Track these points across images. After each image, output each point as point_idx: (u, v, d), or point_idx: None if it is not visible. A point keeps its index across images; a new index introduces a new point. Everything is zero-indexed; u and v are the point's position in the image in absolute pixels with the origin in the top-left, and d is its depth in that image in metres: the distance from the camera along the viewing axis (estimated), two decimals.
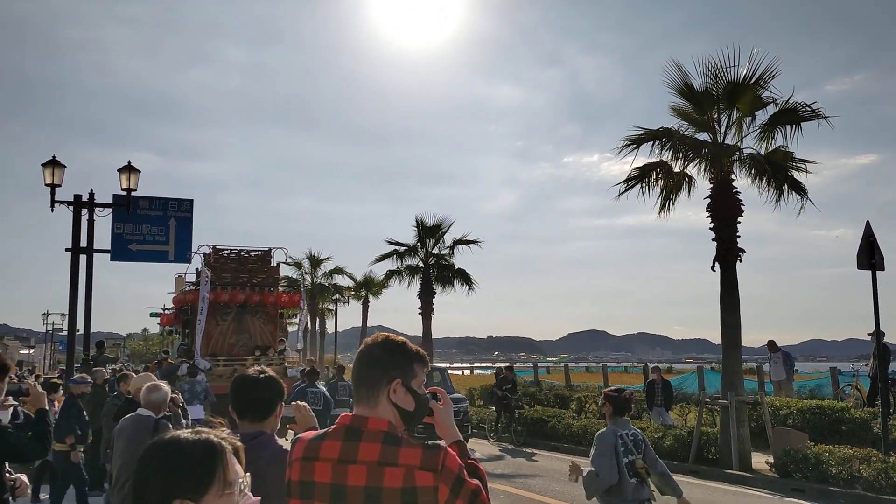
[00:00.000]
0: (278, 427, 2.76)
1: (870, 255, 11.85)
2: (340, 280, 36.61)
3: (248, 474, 1.65)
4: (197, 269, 22.09)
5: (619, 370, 42.63)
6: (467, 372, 43.07)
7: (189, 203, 20.37)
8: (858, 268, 11.89)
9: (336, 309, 39.21)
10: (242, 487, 1.63)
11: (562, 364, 46.90)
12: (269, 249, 22.34)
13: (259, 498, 1.66)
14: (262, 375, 2.60)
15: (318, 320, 39.55)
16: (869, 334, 14.02)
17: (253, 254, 22.00)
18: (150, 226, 19.62)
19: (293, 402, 3.00)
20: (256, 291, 21.26)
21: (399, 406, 2.08)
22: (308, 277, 37.73)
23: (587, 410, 19.31)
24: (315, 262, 37.09)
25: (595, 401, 19.52)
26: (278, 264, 22.66)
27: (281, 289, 23.30)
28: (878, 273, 11.87)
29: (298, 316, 27.69)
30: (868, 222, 12.08)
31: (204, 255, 21.51)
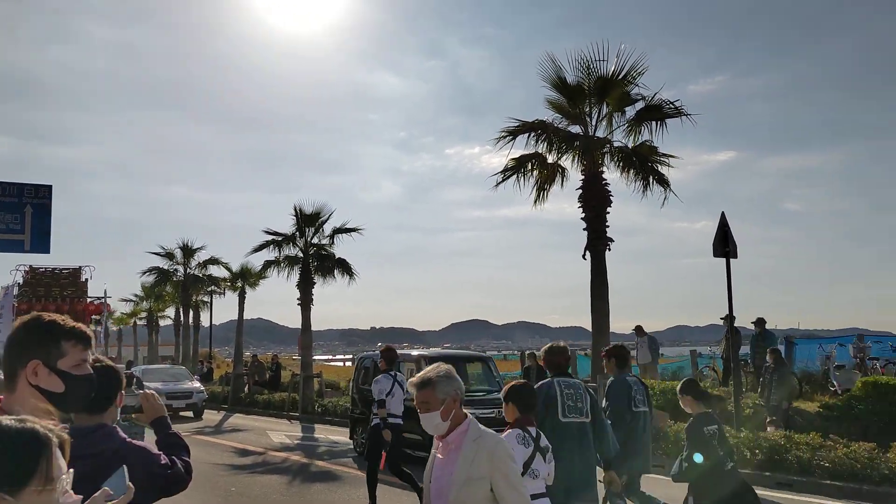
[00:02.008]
0: (118, 418, 2.61)
1: (724, 244, 12.64)
2: (216, 271, 35.34)
3: (71, 471, 1.53)
4: (18, 283, 25.57)
5: (498, 357, 43.63)
6: (349, 364, 42.80)
7: (47, 189, 19.09)
8: (714, 256, 12.66)
9: (211, 301, 37.86)
10: (65, 485, 1.52)
11: None
12: (80, 267, 26.59)
13: (80, 497, 1.54)
14: (97, 365, 2.45)
15: (191, 313, 38.07)
16: (722, 318, 15.02)
17: (65, 271, 26.27)
18: (3, 213, 18.25)
19: (142, 392, 2.85)
20: (66, 302, 25.08)
21: (43, 388, 2.03)
22: (181, 268, 36.24)
23: None
24: (188, 251, 35.61)
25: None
26: (86, 280, 26.52)
27: (90, 299, 27.19)
28: (732, 261, 12.70)
29: (102, 321, 33.46)
30: (723, 213, 12.87)
31: (23, 272, 25.44)
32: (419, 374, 3.27)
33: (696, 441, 5.67)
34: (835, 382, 15.75)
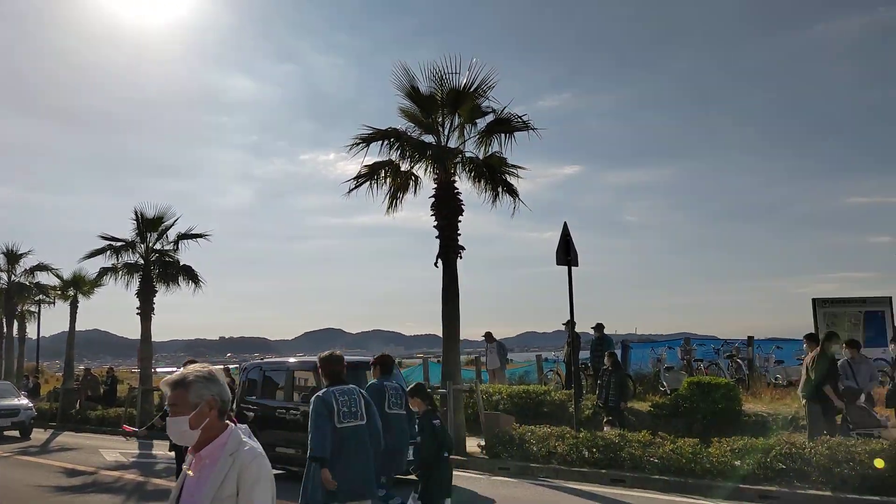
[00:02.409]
0: None
1: (566, 253, 13.24)
2: (45, 278, 32.58)
3: None
4: None
5: None
6: None
7: None
8: (557, 264, 13.22)
9: (39, 311, 34.92)
10: None
11: None
12: None
13: None
14: None
15: (16, 324, 34.90)
16: (564, 324, 15.70)
17: None
18: None
19: None
20: None
21: None
22: (4, 276, 33.14)
23: None
24: (13, 257, 32.60)
25: None
26: None
27: None
28: (574, 269, 13.33)
29: None
30: (565, 223, 13.49)
31: None
32: (177, 372, 2.85)
33: (426, 432, 6.94)
34: (664, 383, 16.87)
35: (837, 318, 14.33)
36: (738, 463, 9.63)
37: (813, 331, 13.79)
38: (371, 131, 15.95)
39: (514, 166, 16.65)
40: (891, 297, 14.32)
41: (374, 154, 16.19)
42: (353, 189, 16.36)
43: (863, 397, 10.30)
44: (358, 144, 15.86)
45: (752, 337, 18.48)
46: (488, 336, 20.08)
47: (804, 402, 10.71)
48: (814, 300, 14.71)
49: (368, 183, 16.33)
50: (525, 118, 16.09)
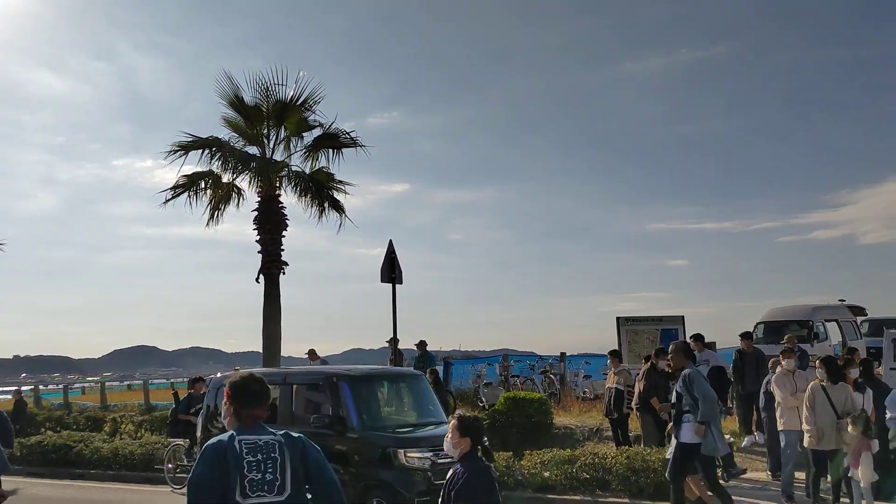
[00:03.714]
0: None
1: (391, 270, 13.35)
2: None
3: None
4: None
5: (165, 386, 40.78)
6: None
7: None
8: (382, 281, 13.29)
9: None
10: None
11: (99, 384, 42.90)
12: None
13: None
14: None
15: None
16: (388, 341, 15.77)
17: None
18: None
19: None
20: None
21: None
22: None
23: (122, 431, 18.02)
24: None
25: (132, 420, 18.44)
26: None
27: None
28: (399, 286, 13.45)
29: None
30: (391, 241, 13.60)
31: None
32: None
33: None
34: (483, 398, 17.39)
35: (638, 334, 15.51)
36: (547, 474, 10.08)
37: (617, 347, 14.79)
38: (191, 139, 15.28)
39: (341, 182, 16.61)
40: (683, 316, 15.74)
41: (195, 163, 15.52)
42: (169, 199, 15.59)
43: None
44: (176, 152, 15.15)
45: (565, 353, 19.55)
46: (311, 353, 19.70)
47: (637, 414, 11.38)
48: (618, 318, 15.82)
49: (187, 194, 15.60)
50: (353, 134, 16.13)
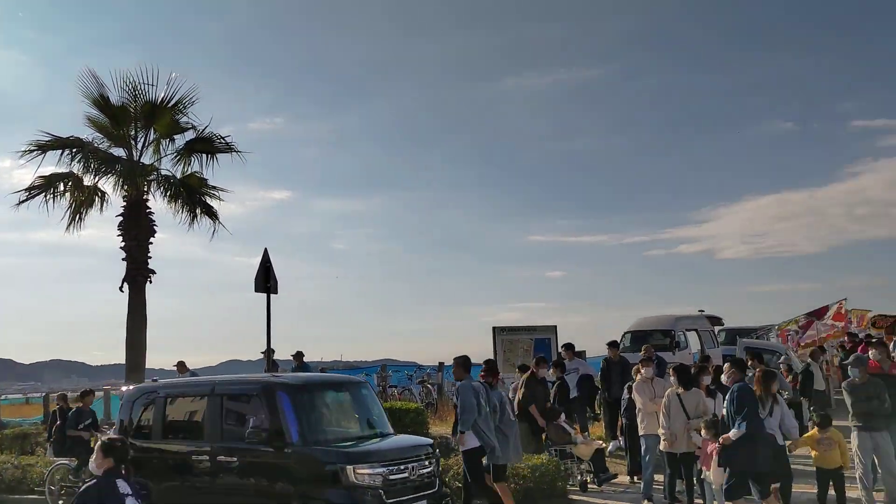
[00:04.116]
0: None
1: (266, 280, 12.97)
2: None
3: None
4: None
5: (20, 401, 37.91)
6: None
7: None
8: (256, 291, 12.90)
9: None
10: None
11: None
12: None
13: None
14: None
15: None
16: (262, 353, 15.34)
17: None
18: None
19: None
20: None
21: None
22: None
23: None
24: None
25: None
26: None
27: None
28: (277, 296, 13.09)
29: None
30: (265, 249, 13.21)
31: None
32: None
33: None
34: None
35: (513, 344, 15.86)
36: None
37: (492, 356, 15.06)
38: (49, 138, 14.36)
39: (215, 188, 16.07)
40: (556, 326, 16.23)
41: (54, 164, 14.57)
42: (23, 201, 14.58)
43: (563, 416, 11.30)
44: (32, 151, 14.22)
45: (443, 363, 19.70)
46: (180, 365, 18.86)
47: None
48: (494, 328, 16.11)
49: (44, 196, 14.62)
50: (229, 139, 15.66)
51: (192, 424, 8.66)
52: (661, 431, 8.62)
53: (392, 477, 7.44)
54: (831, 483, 8.43)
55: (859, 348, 13.65)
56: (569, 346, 13.82)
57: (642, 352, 12.23)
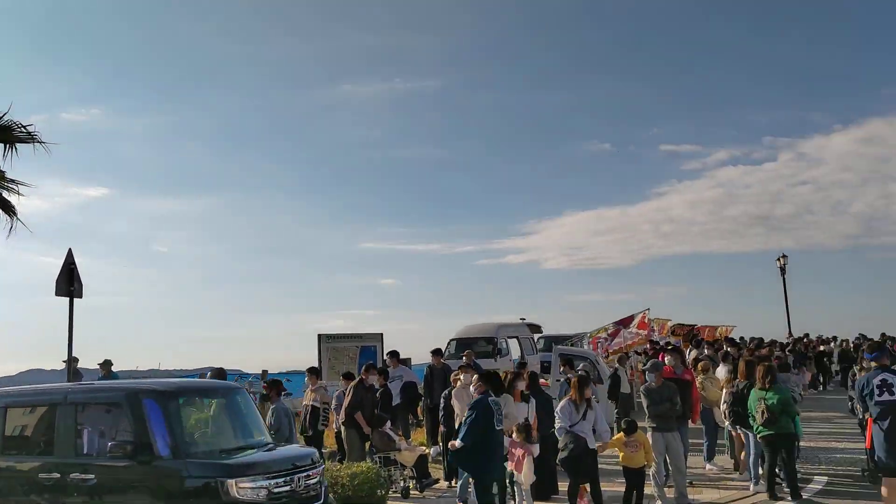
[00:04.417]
0: None
1: (69, 283, 11.99)
2: None
3: None
4: None
5: None
6: None
7: None
8: (56, 294, 11.88)
9: None
10: None
11: None
12: None
13: None
14: None
15: None
16: (63, 361, 14.15)
17: None
18: None
19: None
20: None
21: None
22: None
23: None
24: None
25: None
26: None
27: None
28: (84, 300, 12.12)
29: None
30: (70, 250, 12.23)
31: None
32: None
33: None
34: None
35: (339, 352, 15.76)
36: None
37: (317, 364, 14.86)
38: None
39: (13, 181, 14.57)
40: (382, 334, 16.36)
41: None
42: None
43: (388, 424, 11.25)
44: None
45: (266, 370, 19.20)
46: (104, 365, 17.06)
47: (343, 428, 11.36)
48: (319, 335, 15.92)
49: None
50: (32, 128, 14.26)
51: (39, 437, 7.66)
52: None
53: (277, 490, 6.91)
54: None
55: (660, 355, 14.82)
56: (393, 354, 13.94)
57: (463, 357, 12.58)
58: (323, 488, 7.59)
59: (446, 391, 10.43)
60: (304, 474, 7.24)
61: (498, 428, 7.92)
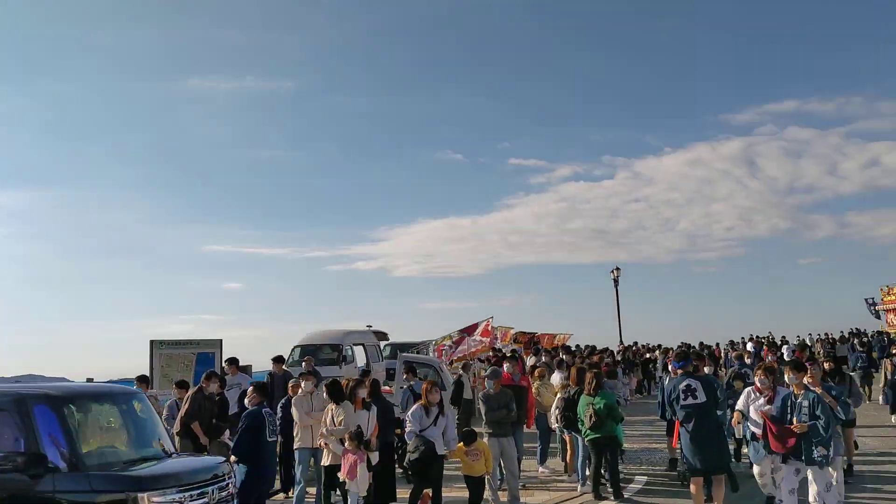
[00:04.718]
0: None
1: None
2: None
3: None
4: None
5: None
6: None
7: None
8: None
9: None
10: None
11: None
12: None
13: None
14: None
15: None
16: None
17: None
18: None
19: None
20: None
21: None
22: None
23: None
24: None
25: None
26: None
27: None
28: None
29: None
30: None
31: None
32: None
33: None
34: None
35: (173, 359, 14.92)
36: None
37: (148, 372, 14.04)
38: None
39: None
40: (221, 340, 15.66)
41: None
42: None
43: (227, 434, 10.70)
44: None
45: (92, 378, 17.88)
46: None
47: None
48: (151, 342, 15.02)
49: None
50: None
51: None
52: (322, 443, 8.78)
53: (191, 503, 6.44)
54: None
55: (502, 363, 15.27)
56: (232, 361, 13.43)
57: (304, 364, 12.35)
58: (234, 500, 7.22)
59: (283, 399, 10.18)
60: (218, 486, 6.83)
61: (271, 439, 8.37)
